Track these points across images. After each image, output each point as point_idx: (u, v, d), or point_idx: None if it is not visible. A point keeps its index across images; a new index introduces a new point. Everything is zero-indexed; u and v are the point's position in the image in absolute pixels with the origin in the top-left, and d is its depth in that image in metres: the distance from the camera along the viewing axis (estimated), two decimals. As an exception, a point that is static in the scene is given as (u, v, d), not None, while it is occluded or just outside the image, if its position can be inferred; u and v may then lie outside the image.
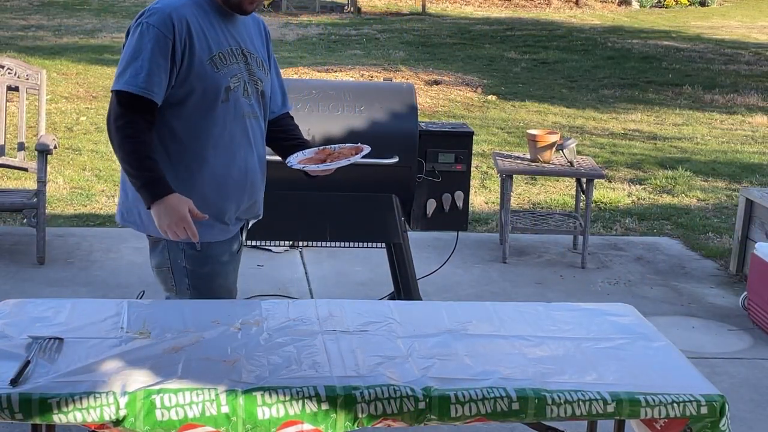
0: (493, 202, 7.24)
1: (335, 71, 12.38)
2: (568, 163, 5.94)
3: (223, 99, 3.02)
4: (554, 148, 5.97)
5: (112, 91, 2.95)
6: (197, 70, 2.97)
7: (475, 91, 11.91)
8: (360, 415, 2.37)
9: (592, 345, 2.77)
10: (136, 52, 2.92)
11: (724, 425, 2.48)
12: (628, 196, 7.69)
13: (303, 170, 3.15)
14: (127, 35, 3.02)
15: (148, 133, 2.93)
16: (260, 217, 3.32)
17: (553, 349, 2.72)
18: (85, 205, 6.83)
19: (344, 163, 3.08)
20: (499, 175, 6.22)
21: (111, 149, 3.07)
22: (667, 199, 7.66)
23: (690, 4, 23.42)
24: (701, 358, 4.54)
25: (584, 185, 5.96)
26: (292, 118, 3.40)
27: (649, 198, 7.67)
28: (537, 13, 20.71)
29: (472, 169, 4.74)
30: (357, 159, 3.10)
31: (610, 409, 2.43)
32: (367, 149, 3.15)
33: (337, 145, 3.23)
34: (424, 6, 20.26)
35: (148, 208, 2.92)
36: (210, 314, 2.83)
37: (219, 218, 3.09)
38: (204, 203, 3.00)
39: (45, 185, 5.51)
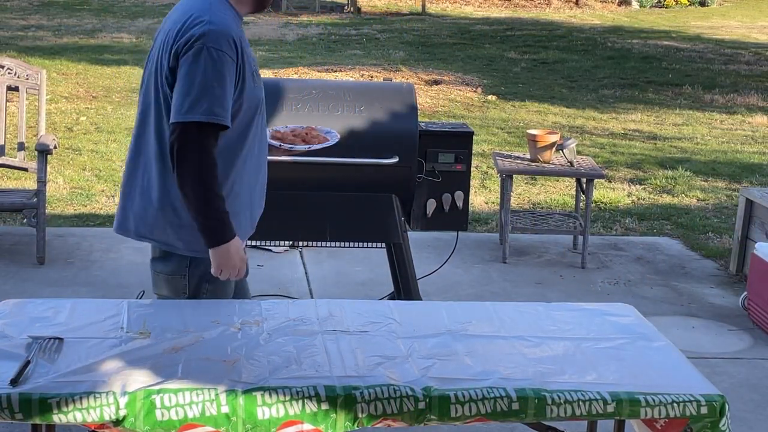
0: (493, 202, 7.24)
1: (335, 71, 12.38)
2: (568, 163, 5.94)
3: (260, 112, 3.02)
4: (554, 148, 5.97)
5: (189, 122, 2.78)
6: (247, 87, 2.92)
7: (475, 91, 11.91)
8: (360, 415, 2.37)
9: (592, 345, 2.77)
10: (210, 79, 2.79)
11: (724, 425, 2.48)
12: (628, 196, 7.69)
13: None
14: (166, 51, 2.85)
15: None
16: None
17: (553, 349, 2.72)
18: (85, 205, 6.83)
19: (317, 147, 3.35)
20: (499, 175, 6.22)
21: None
22: (667, 199, 7.66)
23: (690, 4, 23.42)
24: (701, 358, 4.54)
25: (584, 185, 5.96)
26: None
27: (649, 198, 7.67)
28: (537, 13, 20.71)
29: (472, 169, 4.74)
30: (326, 145, 3.38)
31: (610, 409, 2.43)
32: (329, 135, 3.42)
33: (283, 126, 3.47)
34: (424, 6, 20.26)
35: (210, 247, 2.86)
36: (210, 314, 2.83)
37: (252, 226, 3.10)
38: (242, 214, 3.00)
39: (45, 185, 5.52)
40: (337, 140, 3.46)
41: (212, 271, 2.91)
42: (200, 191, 2.81)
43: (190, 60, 2.80)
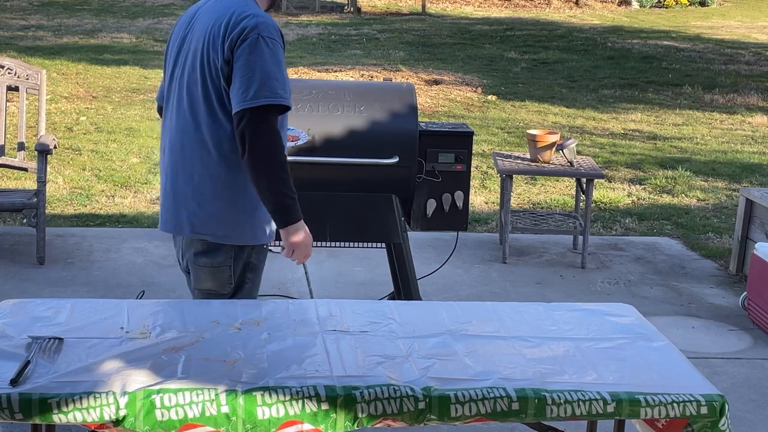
0: (493, 202, 7.24)
1: (335, 71, 12.38)
2: (568, 163, 5.94)
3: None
4: (554, 148, 5.97)
5: (258, 107, 2.87)
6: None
7: (475, 91, 11.91)
8: (360, 415, 2.37)
9: (592, 345, 2.76)
10: (270, 65, 2.91)
11: (724, 425, 2.48)
12: (628, 196, 7.69)
13: None
14: (216, 47, 2.94)
15: None
16: None
17: (553, 349, 2.72)
18: (85, 205, 6.83)
19: (301, 143, 3.44)
20: (499, 175, 6.22)
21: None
22: (667, 199, 7.66)
23: (690, 4, 23.42)
24: (701, 358, 4.54)
25: (584, 185, 5.96)
26: None
27: (649, 198, 7.67)
28: (537, 13, 20.71)
29: (472, 169, 4.74)
30: (300, 143, 3.45)
31: (610, 409, 2.43)
32: (292, 132, 3.49)
33: None
34: (424, 6, 20.26)
35: (285, 226, 2.97)
36: (210, 314, 2.83)
37: None
38: None
39: (45, 185, 5.52)
40: (305, 135, 3.57)
41: (284, 253, 3.01)
42: (277, 172, 2.91)
43: (247, 51, 2.91)
